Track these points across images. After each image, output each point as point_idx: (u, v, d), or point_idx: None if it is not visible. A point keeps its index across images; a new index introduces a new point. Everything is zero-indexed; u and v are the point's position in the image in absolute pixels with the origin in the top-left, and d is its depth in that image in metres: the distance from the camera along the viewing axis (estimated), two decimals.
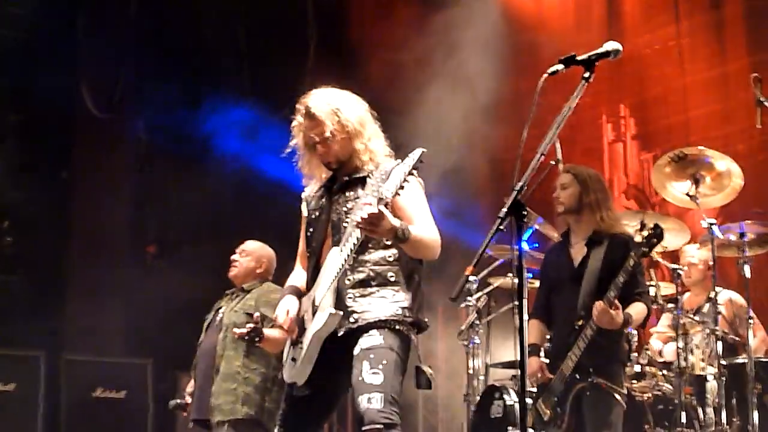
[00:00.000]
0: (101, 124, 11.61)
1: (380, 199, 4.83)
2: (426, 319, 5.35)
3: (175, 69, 11.54)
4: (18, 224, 11.69)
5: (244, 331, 6.22)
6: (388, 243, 5.16)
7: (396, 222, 4.94)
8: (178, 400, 7.94)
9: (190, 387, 7.81)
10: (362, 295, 5.16)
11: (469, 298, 8.60)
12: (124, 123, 11.83)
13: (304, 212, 5.56)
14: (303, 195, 5.61)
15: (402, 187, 4.82)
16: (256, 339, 6.41)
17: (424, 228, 5.16)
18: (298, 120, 5.36)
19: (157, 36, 11.64)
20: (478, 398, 8.38)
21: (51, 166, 12.05)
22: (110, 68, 11.75)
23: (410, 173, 4.79)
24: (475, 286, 8.59)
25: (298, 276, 5.56)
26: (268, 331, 6.82)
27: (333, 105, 5.29)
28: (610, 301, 6.23)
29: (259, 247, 7.90)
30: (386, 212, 4.86)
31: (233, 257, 7.84)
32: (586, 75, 4.18)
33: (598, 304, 6.26)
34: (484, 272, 8.66)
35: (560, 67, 4.19)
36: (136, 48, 11.87)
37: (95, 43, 11.48)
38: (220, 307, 7.78)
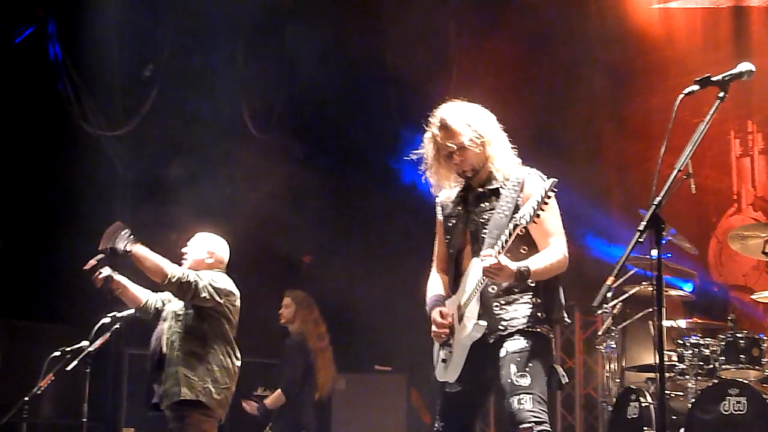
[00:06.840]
0: (259, 144, 11.98)
1: (516, 225, 5.10)
2: (565, 314, 5.60)
3: (327, 90, 11.81)
4: None
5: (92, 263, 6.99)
6: (524, 251, 5.38)
7: (514, 266, 5.18)
8: None
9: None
10: (507, 303, 5.44)
11: (605, 305, 8.74)
12: (282, 143, 12.14)
13: (439, 216, 5.80)
14: (437, 200, 5.83)
15: (538, 215, 5.05)
16: (106, 278, 7.10)
17: (550, 251, 5.40)
18: (432, 131, 5.60)
19: (308, 61, 11.96)
20: (614, 399, 8.53)
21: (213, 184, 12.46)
22: (269, 90, 12.11)
23: (547, 196, 5.02)
24: (610, 293, 8.63)
25: (438, 282, 5.83)
26: (118, 277, 7.28)
27: (465, 116, 5.55)
28: None
29: (207, 237, 7.62)
30: (503, 260, 5.14)
31: (183, 249, 7.60)
32: (721, 95, 4.39)
33: None
34: (620, 281, 8.65)
35: (696, 87, 4.39)
36: (291, 71, 12.22)
37: (255, 68, 11.86)
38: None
